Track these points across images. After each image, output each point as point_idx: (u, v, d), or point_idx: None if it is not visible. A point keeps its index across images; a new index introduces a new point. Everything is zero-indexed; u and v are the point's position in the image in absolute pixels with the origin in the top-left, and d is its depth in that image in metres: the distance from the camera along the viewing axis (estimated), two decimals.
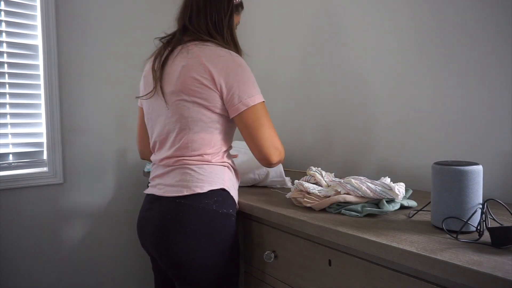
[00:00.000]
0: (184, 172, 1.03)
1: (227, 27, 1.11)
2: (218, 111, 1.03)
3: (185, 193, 1.01)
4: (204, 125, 1.03)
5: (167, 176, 1.06)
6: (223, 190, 1.06)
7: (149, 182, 1.15)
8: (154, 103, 1.10)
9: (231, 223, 1.07)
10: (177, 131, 1.04)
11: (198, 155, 1.04)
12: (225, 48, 1.06)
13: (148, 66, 1.14)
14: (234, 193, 1.11)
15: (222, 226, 1.04)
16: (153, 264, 1.21)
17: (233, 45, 1.12)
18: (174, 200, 1.02)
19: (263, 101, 1.06)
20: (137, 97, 1.20)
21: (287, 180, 1.40)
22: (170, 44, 1.09)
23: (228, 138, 1.11)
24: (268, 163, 1.07)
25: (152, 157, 1.15)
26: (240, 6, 1.20)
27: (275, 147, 1.05)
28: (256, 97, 1.03)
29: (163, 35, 1.14)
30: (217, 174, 1.05)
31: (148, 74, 1.12)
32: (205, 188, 1.02)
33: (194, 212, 1.01)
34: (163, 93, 1.05)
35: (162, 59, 1.07)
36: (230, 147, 1.14)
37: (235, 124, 1.10)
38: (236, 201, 1.12)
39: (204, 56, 1.01)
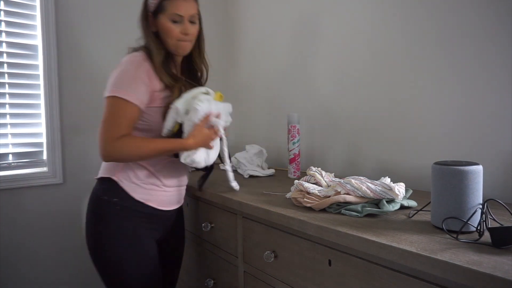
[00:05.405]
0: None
1: (145, 33, 1.24)
2: None
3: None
4: None
5: None
6: (109, 179, 1.17)
7: None
8: None
9: (114, 211, 1.16)
10: None
11: None
12: (139, 51, 1.20)
13: None
14: (127, 186, 1.16)
15: (104, 213, 1.16)
16: None
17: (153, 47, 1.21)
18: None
19: (115, 96, 1.09)
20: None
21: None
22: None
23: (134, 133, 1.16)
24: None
25: None
26: (158, 10, 1.20)
27: (102, 144, 1.09)
28: (110, 91, 1.11)
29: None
30: (110, 165, 1.18)
31: None
32: (99, 175, 1.20)
33: (91, 194, 1.21)
34: None
35: None
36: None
37: (147, 122, 1.17)
38: (132, 194, 1.16)
39: None
